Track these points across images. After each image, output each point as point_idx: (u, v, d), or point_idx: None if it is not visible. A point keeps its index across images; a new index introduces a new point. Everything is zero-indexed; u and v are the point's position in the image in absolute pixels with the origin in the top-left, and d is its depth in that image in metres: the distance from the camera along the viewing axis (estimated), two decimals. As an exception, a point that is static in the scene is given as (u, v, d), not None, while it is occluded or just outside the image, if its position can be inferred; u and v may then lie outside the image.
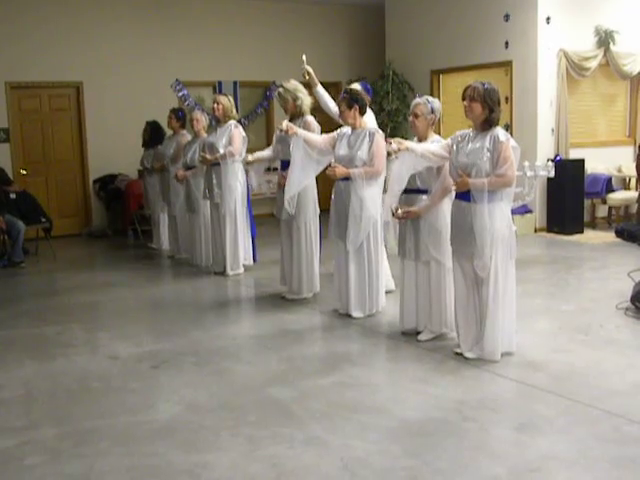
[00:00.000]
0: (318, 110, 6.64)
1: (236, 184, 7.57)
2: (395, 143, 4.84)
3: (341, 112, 5.82)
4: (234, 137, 7.50)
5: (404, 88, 11.66)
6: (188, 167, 8.30)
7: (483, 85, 4.67)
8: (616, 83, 10.81)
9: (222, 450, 3.65)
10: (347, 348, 5.34)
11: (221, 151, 7.50)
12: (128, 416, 4.12)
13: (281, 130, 5.92)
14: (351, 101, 5.78)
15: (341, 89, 6.24)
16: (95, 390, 4.58)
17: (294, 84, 6.47)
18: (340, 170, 5.80)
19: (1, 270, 8.57)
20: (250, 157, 6.89)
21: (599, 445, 3.59)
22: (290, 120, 6.31)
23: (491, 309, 4.72)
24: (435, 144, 5.01)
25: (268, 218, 10.60)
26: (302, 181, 5.95)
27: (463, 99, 4.71)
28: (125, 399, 4.39)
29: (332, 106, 6.64)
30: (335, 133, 5.99)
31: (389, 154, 5.12)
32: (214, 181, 7.59)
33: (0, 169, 9.86)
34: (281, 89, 6.45)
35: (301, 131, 5.93)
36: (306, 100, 6.43)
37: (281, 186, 6.33)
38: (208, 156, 7.55)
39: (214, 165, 7.60)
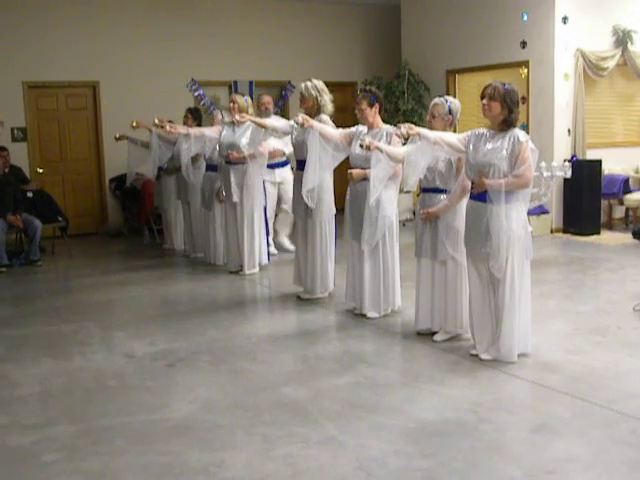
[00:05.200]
0: (335, 113, 6.62)
1: (255, 184, 7.60)
2: (404, 128, 4.82)
3: (361, 110, 5.80)
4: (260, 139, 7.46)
5: (420, 88, 11.64)
6: (208, 165, 8.34)
7: (503, 85, 4.64)
8: (634, 83, 10.71)
9: (237, 449, 3.66)
10: (362, 348, 5.34)
11: (244, 150, 7.52)
12: (144, 414, 4.14)
13: (297, 122, 5.93)
14: (372, 99, 5.77)
15: (356, 89, 6.24)
16: (111, 388, 4.60)
17: (322, 84, 6.46)
18: (357, 172, 5.80)
19: (18, 268, 8.63)
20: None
21: (616, 447, 3.57)
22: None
23: (507, 310, 4.70)
24: (451, 135, 4.98)
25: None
26: (319, 174, 5.96)
27: (482, 98, 4.68)
28: (141, 397, 4.41)
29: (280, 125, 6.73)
30: (351, 130, 5.98)
31: (398, 137, 5.11)
32: (232, 180, 7.60)
33: (17, 168, 9.93)
34: (309, 83, 6.42)
35: (317, 124, 5.94)
36: (328, 104, 6.41)
37: (298, 183, 6.33)
38: (235, 154, 7.55)
39: (233, 164, 7.61)
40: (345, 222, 6.05)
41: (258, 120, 6.80)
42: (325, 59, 12.41)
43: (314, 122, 5.93)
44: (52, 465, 3.56)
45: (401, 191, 5.92)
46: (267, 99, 8.66)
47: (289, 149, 7.97)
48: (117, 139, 9.25)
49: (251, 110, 7.60)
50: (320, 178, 6.10)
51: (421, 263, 5.37)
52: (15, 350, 5.47)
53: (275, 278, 7.65)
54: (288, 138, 7.88)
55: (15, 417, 4.18)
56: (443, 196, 5.18)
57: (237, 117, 6.85)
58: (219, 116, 8.47)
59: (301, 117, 5.89)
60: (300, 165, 6.40)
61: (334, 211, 6.54)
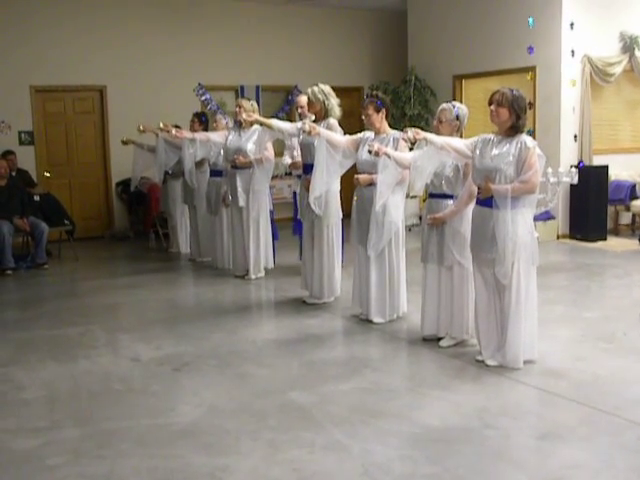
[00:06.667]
0: (341, 117, 6.61)
1: (262, 188, 7.60)
2: (411, 132, 4.82)
3: (367, 116, 5.80)
4: (266, 141, 7.49)
5: (426, 93, 11.64)
6: (212, 171, 8.36)
7: (511, 91, 4.64)
8: (640, 89, 10.72)
9: (243, 454, 3.66)
10: (367, 353, 5.33)
11: (250, 155, 7.52)
12: (149, 418, 4.14)
13: (304, 130, 5.92)
14: (379, 104, 5.77)
15: (363, 94, 6.23)
16: (117, 392, 4.61)
17: (329, 88, 6.46)
18: (364, 178, 5.80)
19: (24, 271, 8.65)
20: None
21: (622, 455, 3.55)
22: (313, 122, 6.31)
23: (513, 316, 4.69)
24: (458, 140, 4.99)
25: (290, 222, 10.61)
26: (326, 182, 5.95)
27: (490, 104, 4.67)
28: (146, 401, 4.41)
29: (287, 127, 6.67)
30: (358, 136, 5.98)
31: (405, 142, 5.11)
32: (238, 185, 7.61)
33: (24, 171, 9.98)
34: (316, 87, 6.42)
35: (324, 131, 5.93)
36: (335, 108, 6.42)
37: (306, 189, 6.32)
38: (242, 158, 7.55)
39: (239, 169, 7.61)
40: (352, 227, 6.05)
41: (265, 120, 6.80)
42: (332, 64, 12.42)
43: (321, 130, 5.91)
44: (57, 469, 3.56)
45: (407, 196, 5.92)
46: (303, 101, 7.37)
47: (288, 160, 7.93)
48: (124, 143, 9.28)
49: (256, 115, 7.60)
50: (327, 185, 6.09)
51: (427, 268, 5.37)
52: (21, 353, 5.47)
53: (281, 282, 7.65)
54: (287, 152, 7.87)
55: (21, 420, 4.18)
56: (450, 201, 5.18)
57: (244, 116, 6.85)
58: (223, 121, 8.50)
59: (308, 125, 5.87)
60: (307, 169, 6.41)
61: (341, 215, 6.54)
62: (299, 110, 7.54)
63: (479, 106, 9.47)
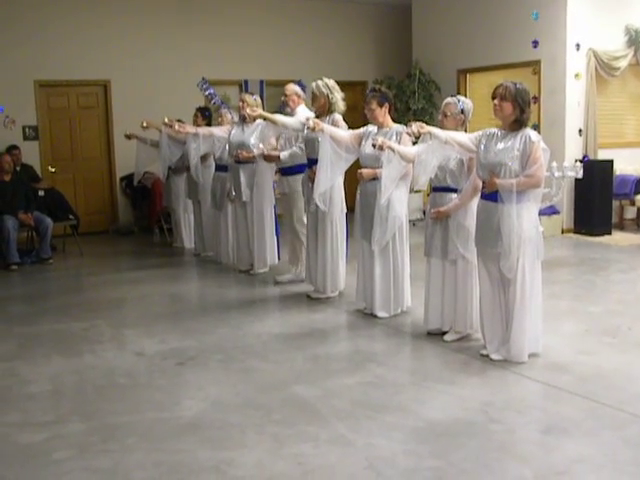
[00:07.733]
0: (345, 112, 6.60)
1: (265, 183, 7.59)
2: (415, 126, 4.82)
3: (370, 110, 5.79)
4: (270, 136, 7.47)
5: (430, 87, 11.62)
6: (218, 165, 8.35)
7: (515, 85, 4.63)
8: (646, 83, 10.68)
9: (248, 448, 3.67)
10: (372, 348, 5.33)
11: (254, 150, 7.51)
12: (154, 412, 4.15)
13: (308, 127, 5.91)
14: (382, 99, 5.76)
15: (367, 88, 6.22)
16: (122, 386, 4.62)
17: (333, 82, 6.46)
18: (367, 172, 5.80)
19: (29, 266, 8.67)
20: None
21: (627, 449, 3.55)
22: (317, 117, 6.31)
23: (517, 310, 4.69)
24: (462, 134, 4.98)
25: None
26: (330, 178, 5.94)
27: (493, 98, 4.66)
28: (151, 395, 4.42)
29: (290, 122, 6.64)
30: (361, 130, 5.97)
31: (409, 135, 5.11)
32: (242, 180, 7.60)
33: (29, 166, 9.99)
34: (320, 81, 6.42)
35: (327, 127, 5.92)
36: (339, 102, 6.41)
37: (311, 180, 6.32)
38: (245, 153, 7.54)
39: (242, 164, 7.60)
40: (355, 222, 6.05)
41: (269, 115, 6.80)
42: (336, 58, 12.40)
43: (325, 125, 5.90)
44: (63, 462, 3.57)
45: (411, 191, 5.92)
46: (289, 89, 7.16)
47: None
48: (127, 137, 9.29)
49: (260, 109, 7.59)
50: (332, 181, 6.08)
51: (431, 262, 5.36)
52: (26, 348, 5.49)
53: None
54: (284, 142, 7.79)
55: (26, 414, 4.20)
56: (454, 195, 5.17)
57: (248, 111, 6.85)
58: (228, 115, 8.49)
59: (312, 121, 5.86)
60: (311, 164, 6.40)
61: (345, 210, 6.54)
62: (282, 98, 7.24)
63: (483, 100, 9.43)
